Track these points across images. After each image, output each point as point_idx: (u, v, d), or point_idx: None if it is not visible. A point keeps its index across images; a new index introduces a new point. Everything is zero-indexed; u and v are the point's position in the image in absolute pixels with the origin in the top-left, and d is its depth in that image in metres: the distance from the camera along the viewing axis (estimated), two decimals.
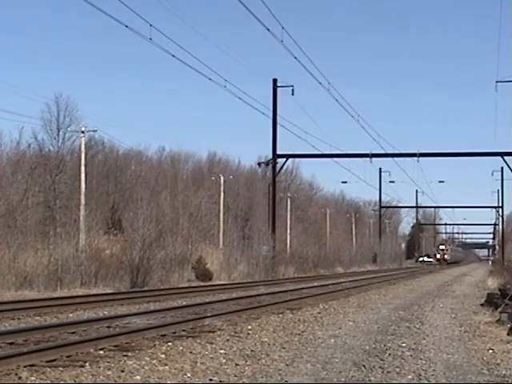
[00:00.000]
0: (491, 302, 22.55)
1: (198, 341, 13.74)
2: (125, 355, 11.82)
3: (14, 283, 29.87)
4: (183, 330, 15.32)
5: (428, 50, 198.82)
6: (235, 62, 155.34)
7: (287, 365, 11.29)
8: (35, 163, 58.59)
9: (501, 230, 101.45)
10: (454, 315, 20.64)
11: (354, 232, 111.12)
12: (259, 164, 71.35)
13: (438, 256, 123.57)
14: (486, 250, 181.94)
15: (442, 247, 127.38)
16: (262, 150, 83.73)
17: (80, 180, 44.34)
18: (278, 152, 52.42)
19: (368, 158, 55.70)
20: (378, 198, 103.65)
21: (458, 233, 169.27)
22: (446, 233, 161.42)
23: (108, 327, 15.84)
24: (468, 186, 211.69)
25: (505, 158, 53.11)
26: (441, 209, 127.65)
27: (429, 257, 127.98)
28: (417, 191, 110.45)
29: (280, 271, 51.52)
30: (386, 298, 27.97)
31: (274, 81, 51.63)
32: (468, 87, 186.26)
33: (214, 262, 45.94)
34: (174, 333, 14.85)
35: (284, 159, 54.24)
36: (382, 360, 11.95)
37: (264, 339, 14.23)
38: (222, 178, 65.87)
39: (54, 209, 56.51)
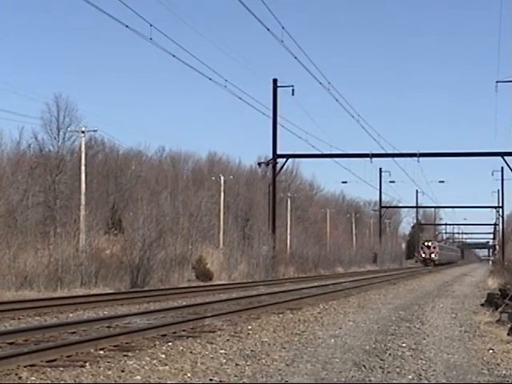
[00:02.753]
0: (491, 302, 22.54)
1: (198, 341, 13.74)
2: (125, 355, 11.82)
3: (14, 283, 29.87)
4: (183, 330, 15.31)
5: (428, 50, 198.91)
6: (235, 61, 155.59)
7: (287, 365, 11.29)
8: (35, 163, 58.61)
9: (501, 230, 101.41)
10: (454, 315, 20.64)
11: (354, 232, 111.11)
12: (259, 164, 71.32)
13: (424, 255, 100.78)
14: (486, 250, 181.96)
15: (427, 244, 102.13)
16: (262, 150, 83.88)
17: (80, 180, 44.35)
18: (278, 152, 52.45)
19: (368, 158, 55.76)
20: (378, 198, 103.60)
21: (458, 233, 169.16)
22: (446, 233, 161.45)
23: (108, 327, 15.84)
24: (468, 186, 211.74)
25: (505, 157, 53.13)
26: (441, 209, 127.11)
27: None
28: (417, 191, 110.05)
29: (280, 271, 51.52)
30: (386, 298, 27.96)
31: (274, 81, 51.64)
32: (468, 87, 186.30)
33: (214, 261, 45.93)
34: (174, 333, 14.85)
35: (284, 159, 54.28)
36: (382, 360, 11.94)
37: (264, 339, 14.23)
38: (222, 178, 65.86)
39: (54, 209, 56.51)
